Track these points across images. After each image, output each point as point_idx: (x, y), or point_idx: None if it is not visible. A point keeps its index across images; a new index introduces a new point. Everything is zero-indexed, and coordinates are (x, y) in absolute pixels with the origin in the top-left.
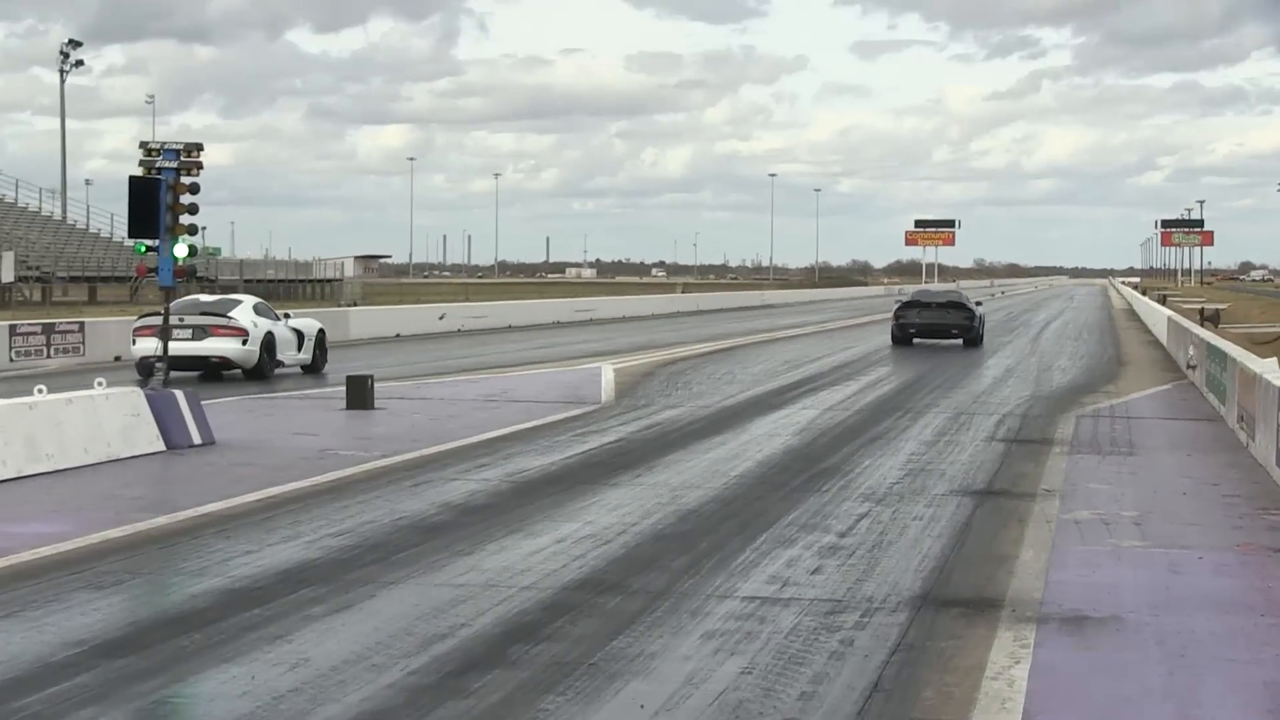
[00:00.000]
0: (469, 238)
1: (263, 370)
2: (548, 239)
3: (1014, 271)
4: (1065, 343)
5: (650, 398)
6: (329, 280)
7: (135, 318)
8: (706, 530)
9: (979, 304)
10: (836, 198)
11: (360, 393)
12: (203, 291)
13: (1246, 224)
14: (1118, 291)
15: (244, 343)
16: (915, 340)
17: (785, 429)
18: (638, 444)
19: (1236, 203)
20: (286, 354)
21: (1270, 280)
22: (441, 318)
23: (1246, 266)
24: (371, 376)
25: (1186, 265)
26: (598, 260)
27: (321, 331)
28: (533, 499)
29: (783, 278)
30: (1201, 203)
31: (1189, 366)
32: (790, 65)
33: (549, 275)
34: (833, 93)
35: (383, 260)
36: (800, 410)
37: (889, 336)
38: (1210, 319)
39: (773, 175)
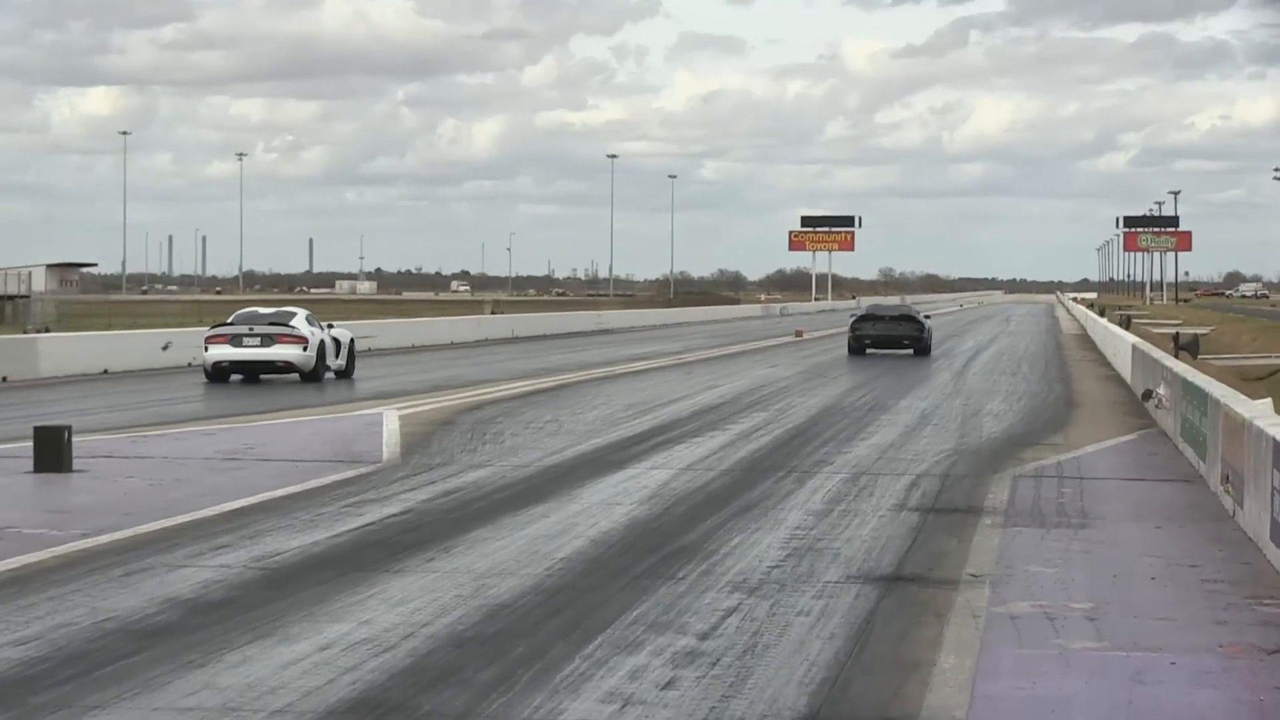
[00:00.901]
0: (203, 240)
1: (318, 374)
2: (311, 241)
3: (932, 285)
4: (999, 379)
5: (449, 454)
6: (10, 297)
7: (208, 328)
8: (523, 632)
9: (928, 317)
10: (698, 188)
11: (53, 450)
12: None
13: (1234, 222)
14: (1068, 311)
15: (304, 349)
16: (869, 350)
17: (629, 495)
18: (431, 516)
19: (1221, 194)
20: (332, 361)
21: (1265, 296)
22: (166, 348)
23: (1234, 278)
24: (69, 428)
25: (1157, 276)
26: (379, 270)
27: (352, 340)
28: (288, 591)
29: (627, 293)
30: (1176, 194)
31: (1158, 407)
32: (637, 10)
33: (312, 290)
34: (693, 46)
35: (85, 270)
36: (649, 470)
37: (768, 370)
38: (1187, 347)
39: (613, 157)
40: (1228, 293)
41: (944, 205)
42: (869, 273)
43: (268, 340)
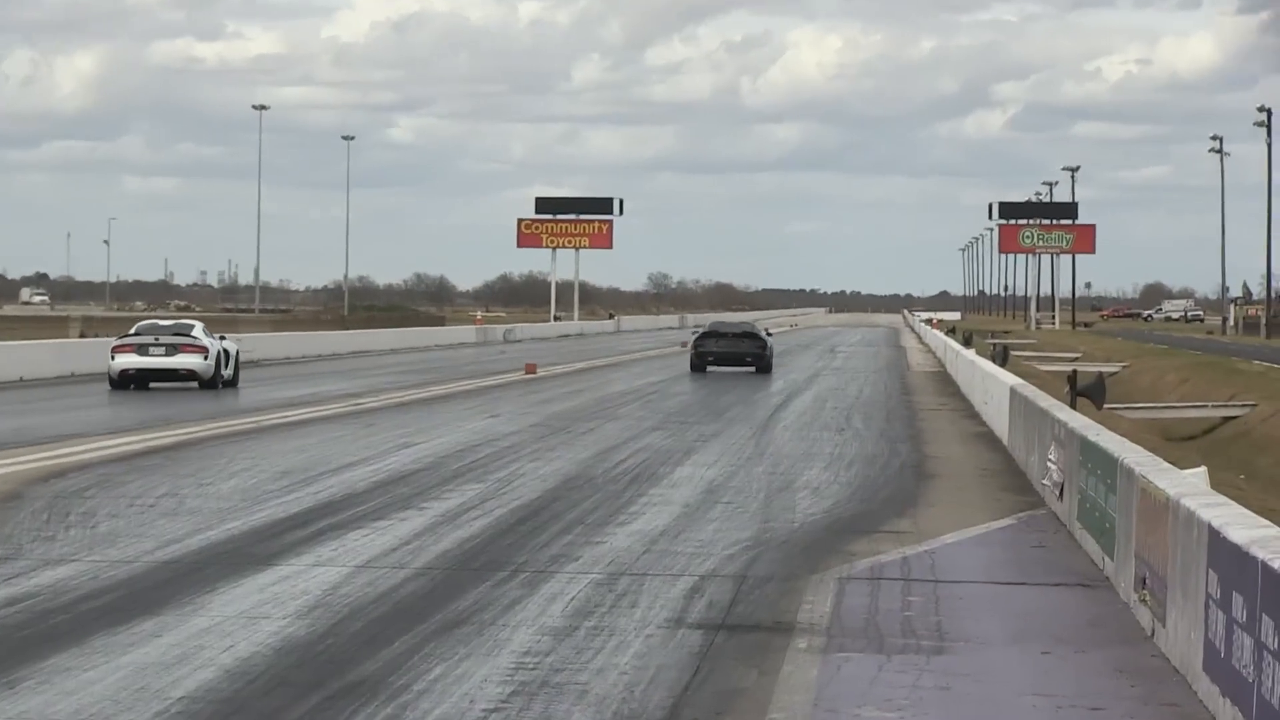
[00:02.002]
0: None
1: (216, 382)
2: None
3: (725, 298)
4: (820, 436)
5: (14, 545)
6: None
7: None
8: None
9: (770, 334)
10: (387, 155)
11: None
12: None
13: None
14: (919, 339)
15: (205, 358)
16: (710, 367)
17: (282, 606)
18: None
19: (1138, 173)
20: (224, 370)
21: (1199, 318)
22: None
23: (1154, 294)
24: None
25: (1046, 290)
26: None
27: (238, 352)
28: None
29: (282, 307)
30: (1073, 172)
31: (1047, 482)
32: None
33: None
34: None
35: None
36: (312, 569)
37: (486, 422)
38: (1088, 392)
39: (261, 109)
40: (1147, 314)
41: (742, 185)
42: (633, 280)
43: (172, 350)
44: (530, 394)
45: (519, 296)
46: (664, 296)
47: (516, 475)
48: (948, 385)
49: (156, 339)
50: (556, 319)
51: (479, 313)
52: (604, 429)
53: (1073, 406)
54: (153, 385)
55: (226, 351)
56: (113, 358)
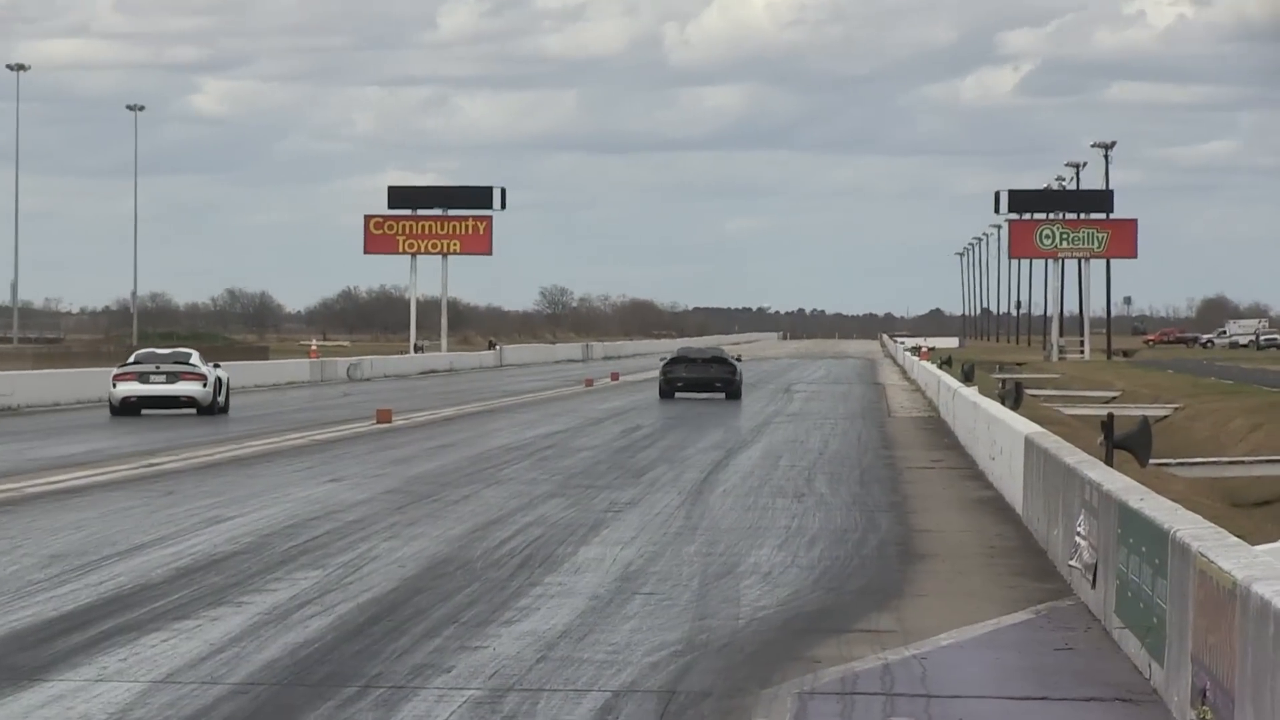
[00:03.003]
0: None
1: (213, 409)
2: None
3: (643, 320)
4: (772, 504)
5: None
6: None
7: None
8: None
9: (738, 359)
10: (187, 129)
11: None
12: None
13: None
14: (903, 372)
15: (204, 385)
16: (678, 394)
17: None
18: None
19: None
20: (219, 398)
21: (1276, 343)
22: None
23: (1214, 312)
24: None
25: (1072, 307)
26: None
27: (229, 379)
28: None
29: (49, 336)
30: (1107, 150)
31: (1076, 564)
32: None
33: None
34: None
35: None
36: (93, 686)
37: (326, 488)
38: (1130, 442)
39: (19, 68)
40: (1206, 338)
41: (666, 169)
42: (521, 297)
43: (173, 377)
44: (384, 450)
45: (368, 320)
46: (562, 319)
47: (367, 558)
48: (942, 435)
49: (157, 367)
50: (418, 349)
51: (314, 342)
52: (483, 496)
53: (1109, 462)
54: (148, 412)
55: (220, 379)
56: (114, 385)
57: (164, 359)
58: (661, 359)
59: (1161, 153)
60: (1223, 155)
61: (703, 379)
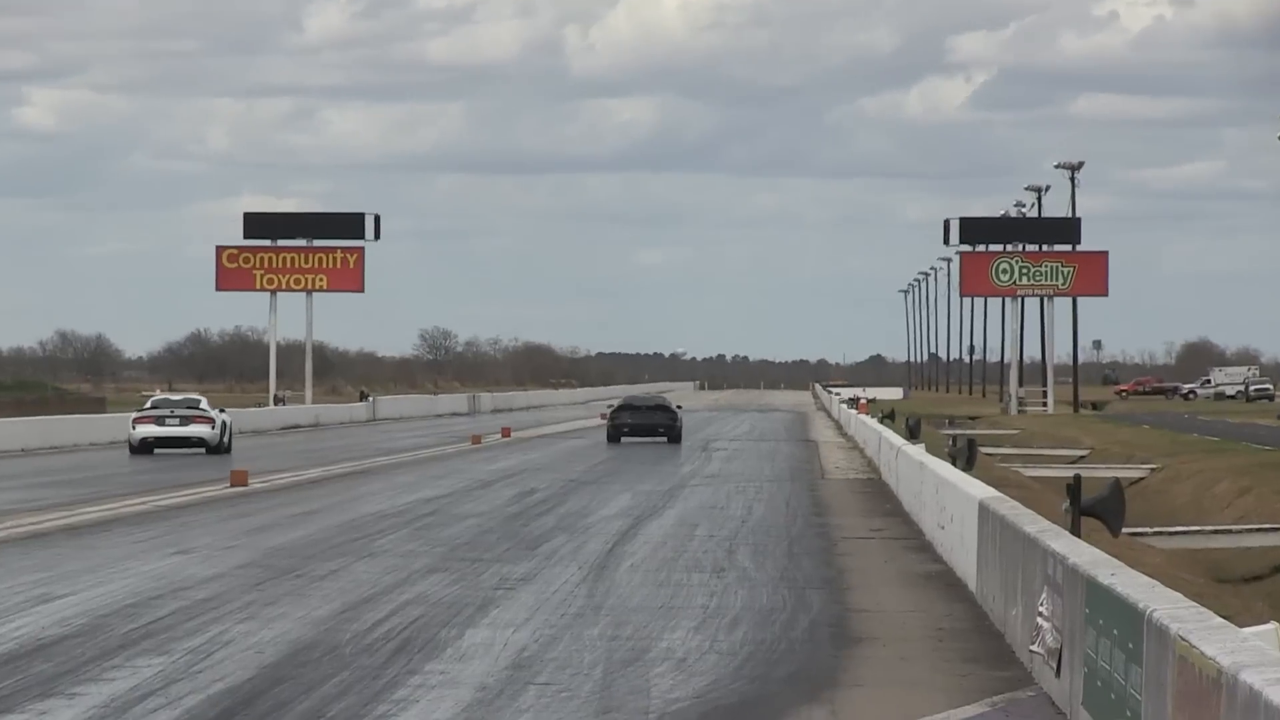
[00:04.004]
0: None
1: (220, 449)
2: None
3: (538, 366)
4: (688, 579)
5: None
6: None
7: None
8: None
9: (679, 407)
10: (9, 146)
11: None
12: None
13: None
14: (838, 427)
15: (213, 428)
16: (625, 438)
17: None
18: None
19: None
20: (224, 439)
21: (1268, 393)
22: None
23: (1197, 358)
24: None
25: (1034, 353)
26: None
27: (231, 422)
28: None
29: None
30: (1074, 172)
31: (1037, 648)
32: None
33: None
34: None
35: None
36: None
37: (172, 561)
38: (1100, 509)
39: None
40: (1188, 388)
41: (565, 192)
42: (397, 341)
43: (186, 420)
44: (239, 517)
45: (220, 367)
46: (445, 366)
47: (219, 643)
48: (883, 500)
49: (172, 411)
50: (279, 401)
51: (158, 392)
52: (353, 571)
53: (1075, 531)
54: (161, 451)
55: (225, 423)
56: (133, 427)
57: (177, 404)
58: (608, 406)
59: (1136, 175)
60: (1205, 178)
61: (647, 424)
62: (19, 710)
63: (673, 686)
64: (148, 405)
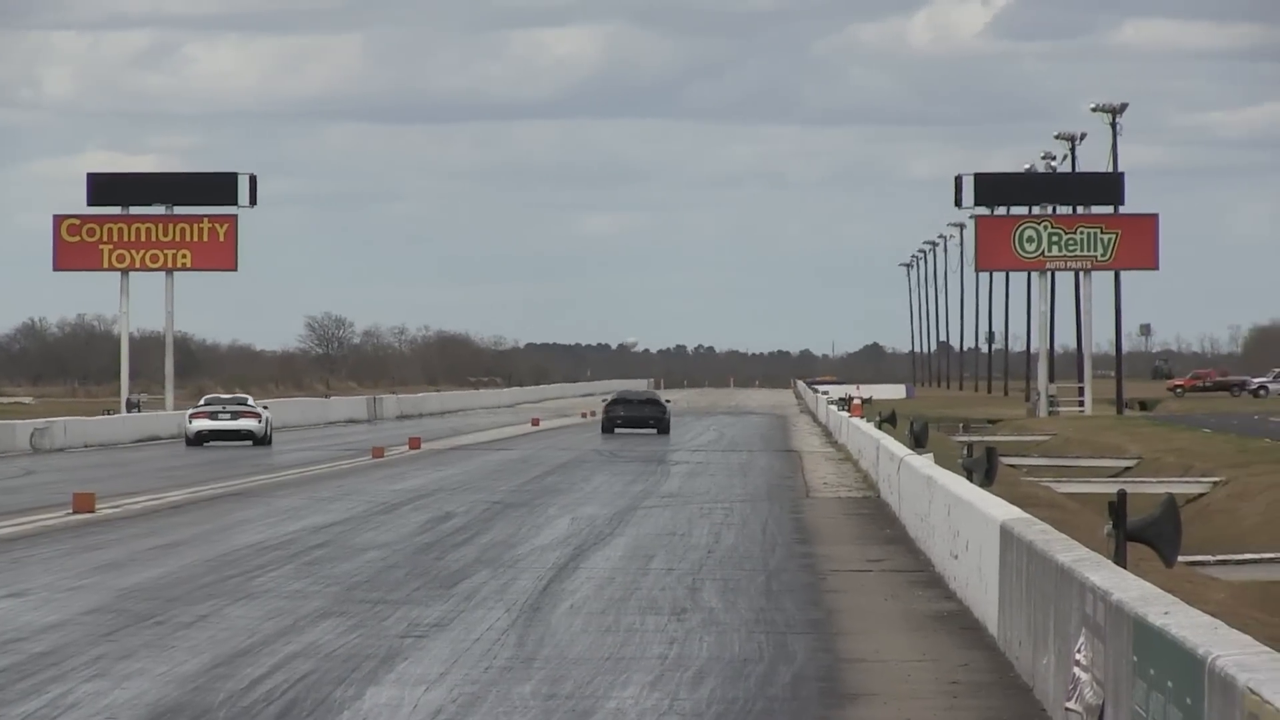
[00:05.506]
0: None
1: (267, 440)
2: None
3: (454, 362)
4: (641, 623)
5: None
6: None
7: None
8: None
9: (669, 401)
10: None
11: None
12: None
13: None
14: (825, 434)
15: (259, 421)
16: (619, 430)
17: None
18: None
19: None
20: (269, 431)
21: None
22: None
23: (1272, 343)
24: None
25: (1067, 340)
26: None
27: (271, 416)
28: None
29: None
30: (1114, 116)
31: (1074, 706)
32: None
33: None
34: None
35: None
36: None
37: (6, 603)
38: (1150, 532)
39: None
40: (1257, 384)
41: (488, 143)
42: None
43: (236, 415)
44: (85, 551)
45: (60, 365)
46: (338, 362)
47: (61, 707)
48: (882, 524)
49: (224, 408)
50: (133, 407)
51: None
52: (227, 616)
53: (1120, 561)
54: (214, 444)
55: (268, 419)
56: (189, 422)
57: (228, 402)
58: (604, 399)
59: (1193, 119)
60: (1277, 122)
61: (638, 416)
62: None
63: None
64: (202, 402)
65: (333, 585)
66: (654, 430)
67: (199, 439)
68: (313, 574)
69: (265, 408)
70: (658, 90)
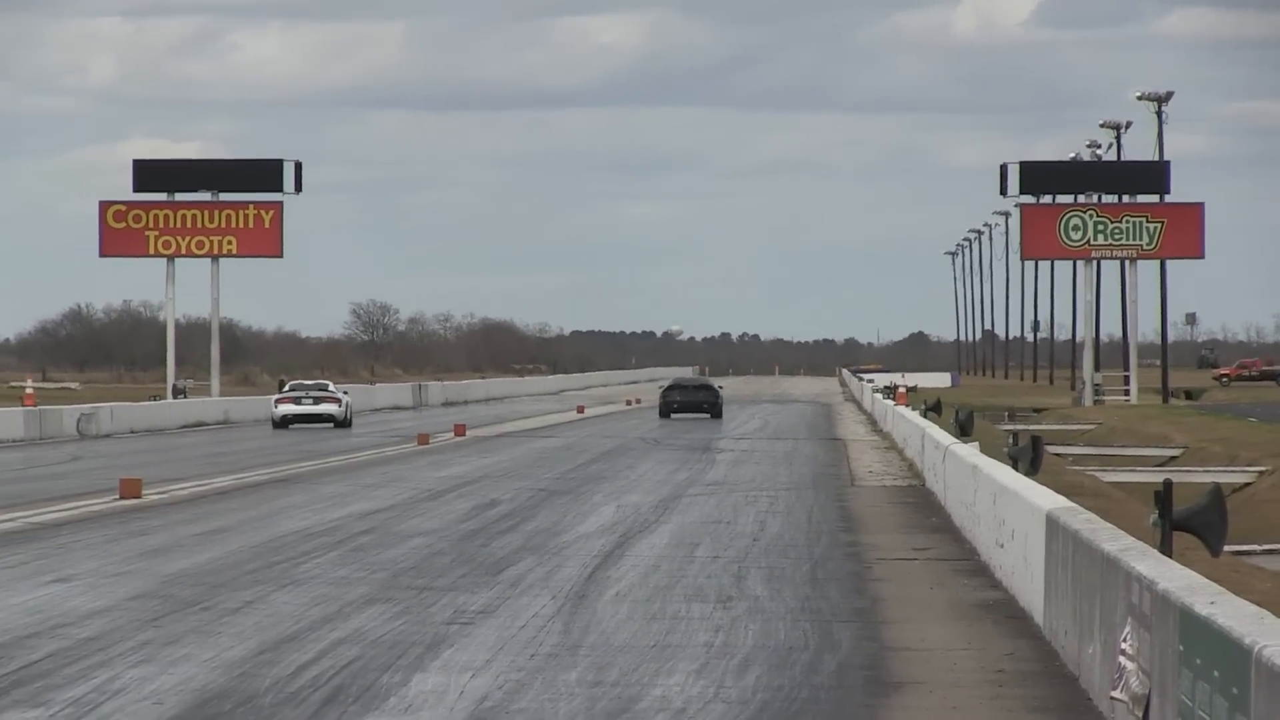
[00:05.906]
0: None
1: (348, 423)
2: None
3: (498, 349)
4: (687, 611)
5: None
6: None
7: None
8: None
9: (721, 387)
10: None
11: None
12: None
13: None
14: (871, 423)
15: (339, 406)
16: (674, 415)
17: None
18: None
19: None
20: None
21: None
22: None
23: None
24: None
25: (1113, 329)
26: None
27: (351, 401)
28: None
29: None
30: (1160, 105)
31: (1120, 695)
32: None
33: None
34: None
35: None
36: None
37: (51, 590)
38: (1196, 522)
39: None
40: None
41: (533, 131)
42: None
43: (318, 400)
44: (132, 537)
45: (106, 351)
46: (384, 349)
47: (108, 693)
48: (927, 512)
49: (306, 393)
50: (179, 393)
51: (28, 383)
52: (273, 603)
53: (1165, 550)
54: (298, 426)
55: (348, 403)
56: (275, 407)
57: (310, 388)
58: (659, 386)
59: (1239, 107)
60: None
61: (693, 401)
62: None
63: None
64: (286, 388)
65: (378, 572)
66: (708, 415)
67: (284, 422)
68: (358, 560)
69: (345, 393)
70: (701, 78)
